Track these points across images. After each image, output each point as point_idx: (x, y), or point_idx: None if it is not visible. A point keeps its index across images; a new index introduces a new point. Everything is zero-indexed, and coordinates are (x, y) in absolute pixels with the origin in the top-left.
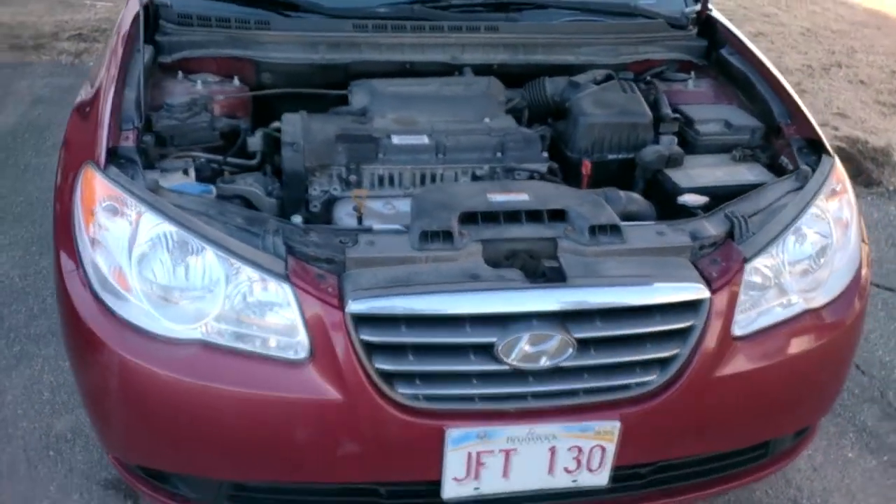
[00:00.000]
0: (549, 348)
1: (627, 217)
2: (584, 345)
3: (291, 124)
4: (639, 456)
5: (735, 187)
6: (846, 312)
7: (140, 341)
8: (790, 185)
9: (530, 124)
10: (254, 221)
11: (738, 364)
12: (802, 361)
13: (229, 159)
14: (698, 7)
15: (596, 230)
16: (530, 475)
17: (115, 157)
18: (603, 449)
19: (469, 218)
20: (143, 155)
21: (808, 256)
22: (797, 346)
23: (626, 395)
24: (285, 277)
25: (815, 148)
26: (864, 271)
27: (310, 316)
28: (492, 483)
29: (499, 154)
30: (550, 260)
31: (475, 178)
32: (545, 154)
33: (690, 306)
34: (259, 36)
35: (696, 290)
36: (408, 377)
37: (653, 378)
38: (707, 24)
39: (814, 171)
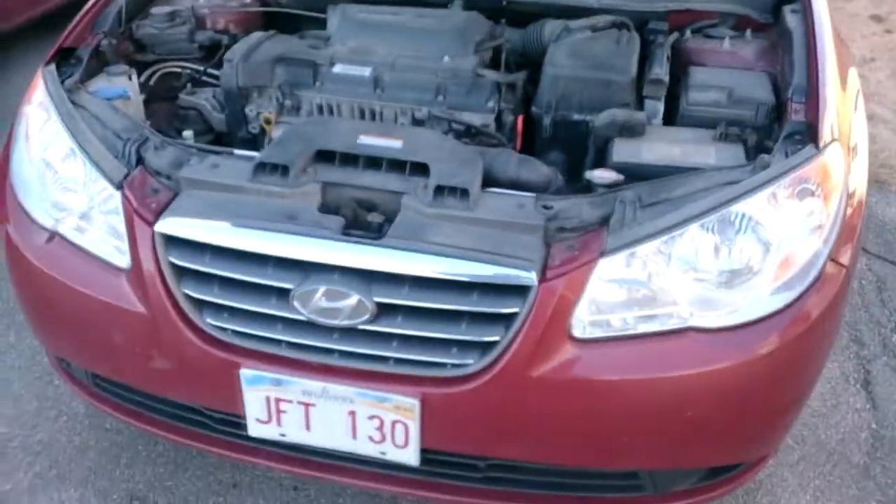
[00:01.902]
0: (346, 307)
1: (515, 185)
2: (390, 311)
3: (246, 42)
4: (449, 443)
5: (680, 170)
6: (759, 344)
7: (25, 224)
8: (734, 176)
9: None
10: (130, 129)
11: (575, 369)
12: (678, 387)
13: (209, 70)
14: None
15: (445, 191)
16: (333, 435)
17: (67, 57)
18: (405, 426)
19: (327, 157)
20: (101, 58)
21: (722, 267)
22: (669, 367)
23: (431, 374)
24: (118, 185)
25: (812, 136)
26: (830, 299)
27: (133, 228)
28: (296, 433)
29: (440, 97)
30: (376, 214)
31: (414, 120)
32: (491, 104)
33: (517, 291)
34: None
35: (520, 275)
36: (217, 308)
37: (469, 362)
38: None
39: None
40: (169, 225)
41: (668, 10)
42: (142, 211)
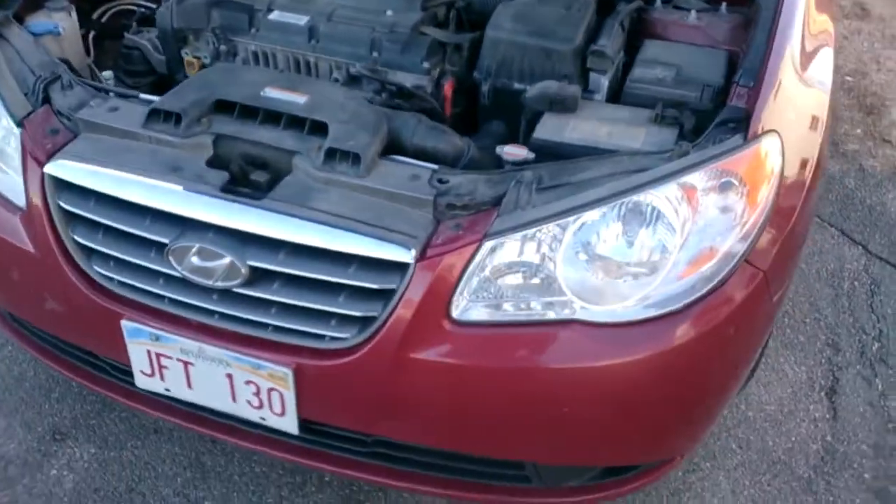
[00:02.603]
0: (219, 267)
1: (423, 154)
2: (266, 277)
3: None
4: (326, 416)
5: (600, 151)
6: (646, 344)
7: None
8: (646, 163)
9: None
10: (45, 66)
11: (452, 352)
12: (556, 381)
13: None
14: None
15: (337, 155)
16: (213, 396)
17: None
18: (281, 395)
19: (225, 107)
20: None
21: (619, 259)
22: (549, 359)
23: (307, 345)
24: (18, 123)
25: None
26: (738, 305)
27: (26, 168)
28: (179, 390)
29: (375, 53)
30: (263, 173)
31: (349, 76)
32: (426, 65)
33: (395, 268)
34: None
35: (396, 251)
36: (104, 257)
37: (347, 336)
38: None
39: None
40: (58, 168)
41: None
42: (35, 151)
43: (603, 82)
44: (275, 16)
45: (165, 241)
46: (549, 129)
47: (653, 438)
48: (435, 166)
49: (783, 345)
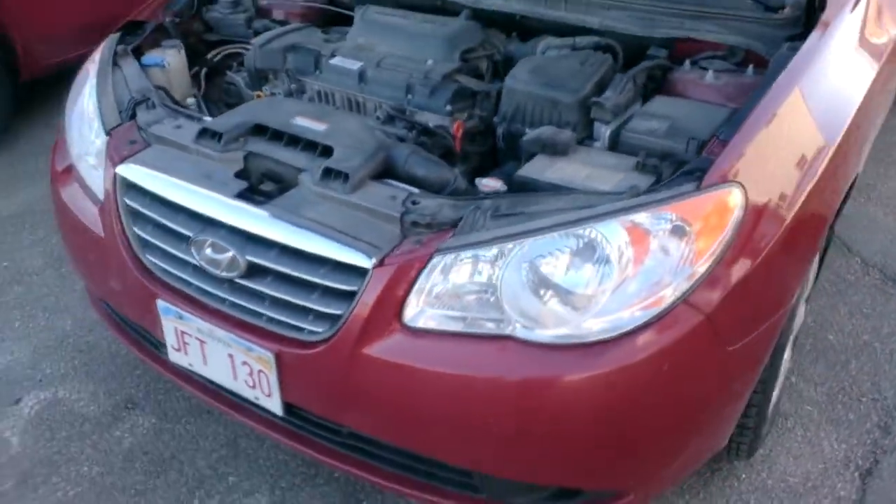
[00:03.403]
0: (224, 260)
1: (412, 180)
2: (261, 272)
3: (275, 31)
4: (303, 401)
5: (571, 190)
6: (571, 369)
7: (62, 155)
8: (595, 200)
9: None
10: (142, 91)
11: (399, 354)
12: (487, 393)
13: None
14: None
15: (332, 174)
16: (221, 373)
17: (135, 29)
18: (267, 377)
19: (260, 131)
20: (163, 32)
21: (558, 285)
22: (482, 370)
23: (288, 334)
24: (107, 132)
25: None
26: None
27: (106, 170)
28: (198, 366)
29: (409, 96)
30: (271, 184)
31: (387, 110)
32: (448, 108)
33: (358, 272)
34: None
35: (359, 257)
36: (152, 247)
37: (320, 331)
38: (811, 11)
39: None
40: (125, 170)
41: (668, 36)
42: (113, 155)
43: (604, 131)
44: (335, 61)
45: (189, 234)
46: (534, 168)
47: (586, 463)
48: (416, 190)
49: (829, 420)
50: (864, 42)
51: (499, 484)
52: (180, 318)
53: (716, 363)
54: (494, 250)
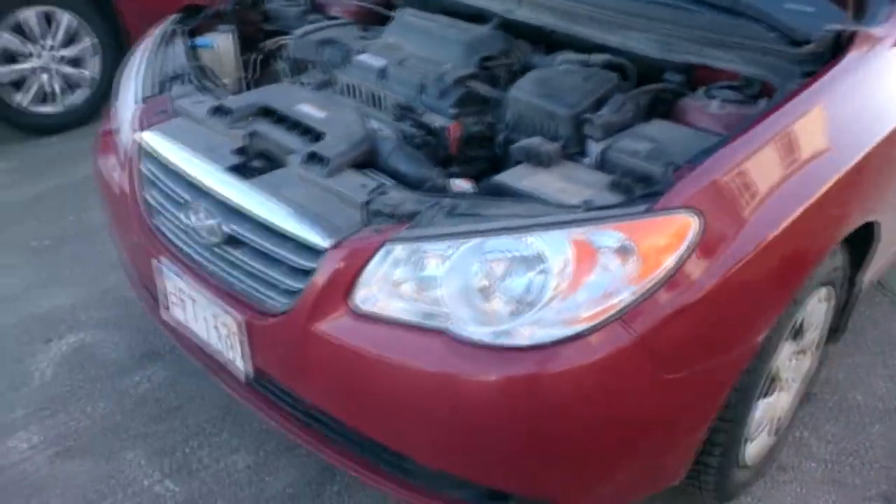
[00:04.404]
0: (209, 226)
1: (393, 174)
2: (239, 242)
3: (315, 25)
4: (269, 367)
5: (539, 200)
6: (494, 369)
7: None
8: (545, 210)
9: None
10: (181, 67)
11: (347, 335)
12: (418, 381)
13: None
14: (837, 26)
15: (315, 157)
16: (204, 331)
17: (191, 11)
18: (238, 340)
19: (268, 113)
20: (221, 17)
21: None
22: (416, 359)
23: (255, 303)
24: (140, 101)
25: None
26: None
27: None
28: (189, 322)
29: (422, 96)
30: (260, 162)
31: (399, 107)
32: (453, 111)
33: (316, 252)
34: None
35: (317, 237)
36: (157, 210)
37: (283, 302)
38: (837, 48)
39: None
40: (146, 136)
41: (684, 62)
42: (142, 121)
43: (593, 148)
44: (362, 57)
45: (185, 198)
46: (512, 175)
47: (509, 466)
48: (390, 182)
49: (831, 481)
50: (883, 89)
51: (432, 474)
52: (174, 277)
53: (648, 387)
54: (442, 246)
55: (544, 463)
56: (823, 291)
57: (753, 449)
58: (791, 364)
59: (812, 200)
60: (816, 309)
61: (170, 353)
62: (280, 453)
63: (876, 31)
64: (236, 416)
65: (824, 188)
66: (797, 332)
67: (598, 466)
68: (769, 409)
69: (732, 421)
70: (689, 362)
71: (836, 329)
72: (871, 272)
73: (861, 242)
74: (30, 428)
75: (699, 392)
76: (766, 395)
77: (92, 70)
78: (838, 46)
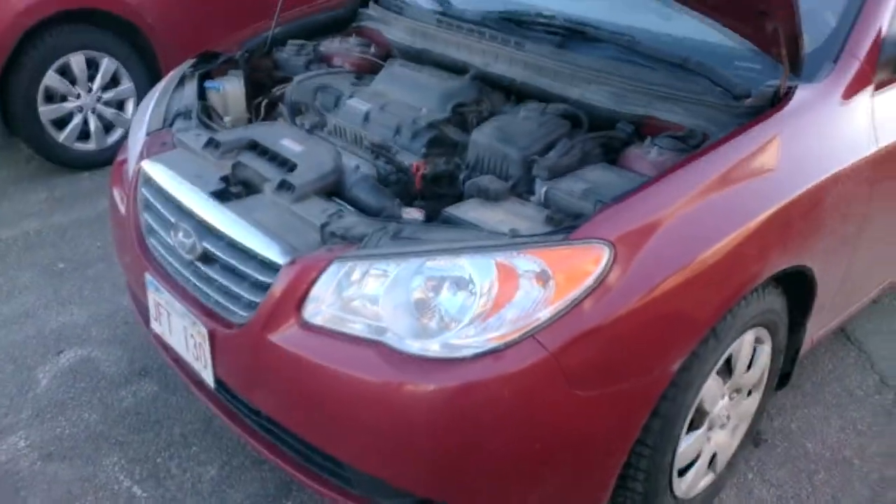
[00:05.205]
0: (187, 243)
1: (354, 202)
2: (212, 260)
3: (314, 72)
4: (229, 377)
5: (479, 229)
6: (417, 380)
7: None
8: (475, 237)
9: None
10: (187, 105)
11: (296, 345)
12: (354, 389)
13: None
14: (777, 82)
15: (284, 185)
16: (180, 344)
17: (211, 58)
18: (204, 350)
19: (254, 146)
20: (232, 63)
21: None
22: (353, 368)
23: (221, 314)
24: (146, 134)
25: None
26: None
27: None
28: (167, 335)
29: (396, 136)
30: (239, 188)
31: (374, 146)
32: (423, 150)
33: (274, 268)
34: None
35: (275, 254)
36: (151, 230)
37: (245, 315)
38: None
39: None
40: (147, 164)
41: (633, 113)
42: (145, 152)
43: (539, 187)
44: (350, 101)
45: (170, 219)
46: (461, 208)
47: (434, 474)
48: (341, 206)
49: None
50: (815, 142)
51: (366, 481)
52: (157, 289)
53: (561, 402)
54: (384, 266)
55: (467, 474)
56: (755, 332)
57: (688, 481)
58: (725, 402)
59: (726, 239)
60: (749, 349)
61: (158, 371)
62: (246, 468)
63: (813, 87)
64: (208, 433)
65: (740, 229)
66: (728, 370)
67: (518, 479)
68: (702, 444)
69: (654, 448)
70: (601, 381)
71: (787, 374)
72: (825, 321)
73: (803, 289)
74: (29, 429)
75: (614, 412)
76: (695, 428)
77: (129, 112)
78: (777, 101)
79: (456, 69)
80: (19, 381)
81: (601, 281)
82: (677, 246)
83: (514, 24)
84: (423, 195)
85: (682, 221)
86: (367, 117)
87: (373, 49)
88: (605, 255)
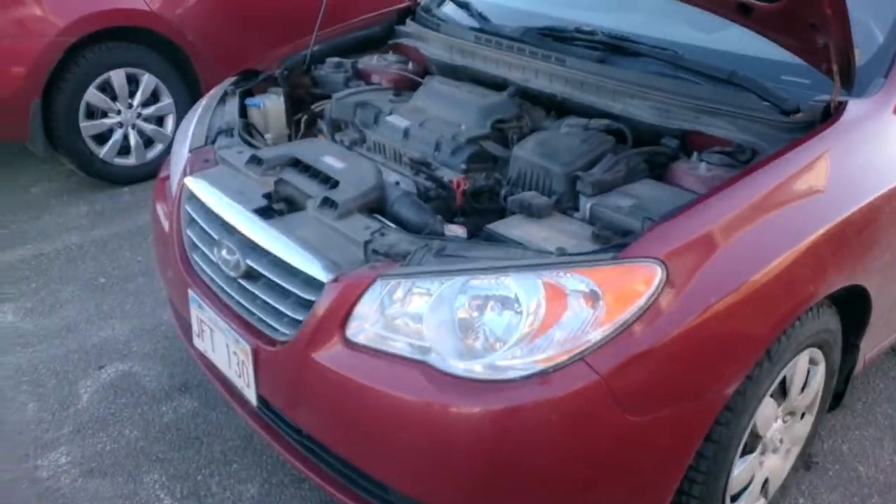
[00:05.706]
0: (232, 260)
1: (396, 219)
2: (256, 276)
3: (354, 89)
4: (272, 395)
5: (523, 246)
6: (463, 401)
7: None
8: (522, 255)
9: None
10: (229, 123)
11: (340, 364)
12: (400, 409)
13: None
14: (827, 97)
15: (328, 202)
16: (223, 361)
17: (252, 75)
18: (247, 368)
19: (296, 163)
20: (273, 81)
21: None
22: (398, 388)
23: (265, 331)
24: (189, 151)
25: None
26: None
27: (180, 180)
28: (210, 351)
29: (436, 152)
30: (282, 205)
31: (413, 162)
32: (463, 167)
33: (318, 285)
34: (431, 37)
35: (319, 271)
36: (194, 245)
37: (288, 332)
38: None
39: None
40: (190, 181)
41: (680, 128)
42: (188, 168)
43: (584, 203)
44: (389, 118)
45: (214, 236)
46: (504, 224)
47: (480, 498)
48: (393, 226)
49: None
50: (868, 158)
51: (408, 503)
52: (200, 307)
53: (613, 427)
54: (427, 284)
55: (510, 494)
56: (810, 353)
57: None
58: (779, 425)
59: (780, 258)
60: (804, 370)
61: (198, 386)
62: (286, 486)
63: (864, 102)
64: (248, 450)
65: (794, 247)
66: (782, 392)
67: (564, 500)
68: (755, 469)
69: (708, 474)
70: (654, 406)
71: (840, 395)
72: (878, 340)
73: (857, 307)
74: (70, 444)
75: (667, 438)
76: (749, 452)
77: (168, 128)
78: (828, 116)
79: (495, 85)
80: (61, 395)
81: (653, 301)
82: (730, 265)
83: (554, 40)
84: (463, 211)
85: (735, 240)
86: (406, 133)
87: (410, 65)
88: (657, 274)
